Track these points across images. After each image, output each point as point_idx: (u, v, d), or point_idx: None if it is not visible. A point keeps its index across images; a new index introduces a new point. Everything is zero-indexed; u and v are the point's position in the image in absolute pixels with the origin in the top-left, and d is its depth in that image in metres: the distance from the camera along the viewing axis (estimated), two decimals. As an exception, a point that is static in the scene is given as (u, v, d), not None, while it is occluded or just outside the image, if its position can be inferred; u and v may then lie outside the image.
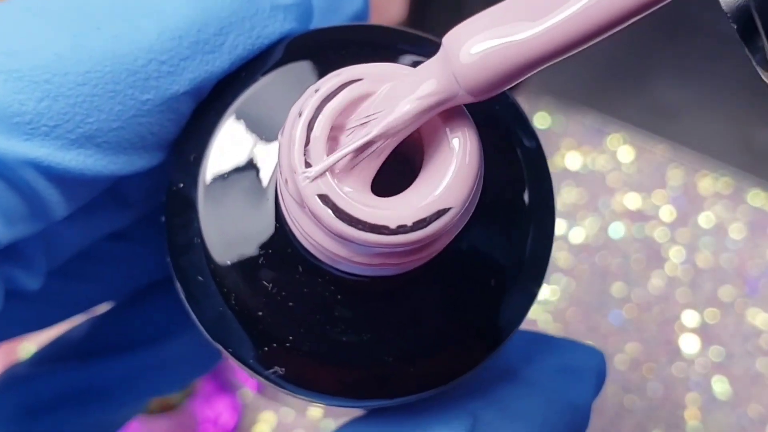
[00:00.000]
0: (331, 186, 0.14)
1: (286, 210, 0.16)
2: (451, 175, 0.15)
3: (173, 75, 0.18)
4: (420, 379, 0.18)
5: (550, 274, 0.44)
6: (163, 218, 0.18)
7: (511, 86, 0.14)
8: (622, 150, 0.48)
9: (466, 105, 0.15)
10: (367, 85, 0.15)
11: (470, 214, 0.16)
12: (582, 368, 0.21)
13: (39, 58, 0.18)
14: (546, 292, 0.44)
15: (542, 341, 0.21)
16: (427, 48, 0.18)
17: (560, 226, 0.48)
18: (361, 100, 0.15)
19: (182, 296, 0.19)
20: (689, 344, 0.42)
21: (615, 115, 0.49)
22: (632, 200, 0.49)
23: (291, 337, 0.18)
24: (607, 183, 0.48)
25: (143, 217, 0.22)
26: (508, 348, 0.19)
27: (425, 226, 0.15)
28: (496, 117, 0.18)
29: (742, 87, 0.45)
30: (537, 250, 0.19)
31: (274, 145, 0.18)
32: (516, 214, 0.18)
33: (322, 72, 0.18)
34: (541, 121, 0.49)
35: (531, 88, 0.48)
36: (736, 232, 0.46)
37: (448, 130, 0.15)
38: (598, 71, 0.50)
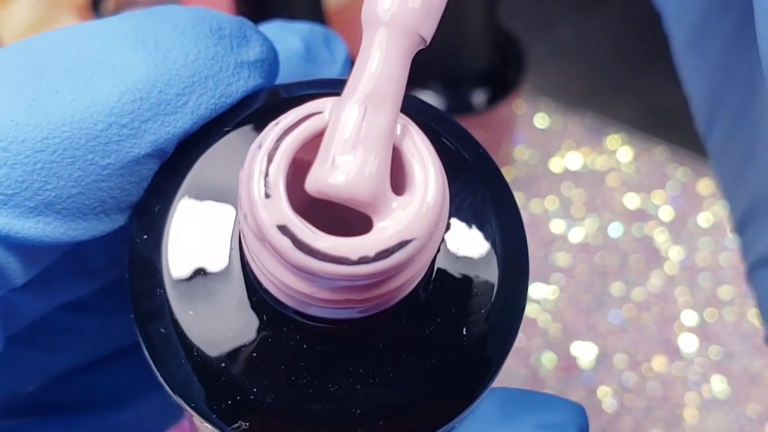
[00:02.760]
0: (289, 217, 0.14)
1: (248, 250, 0.15)
2: (415, 205, 0.14)
3: (134, 138, 0.18)
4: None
5: (550, 273, 0.44)
6: (127, 275, 0.18)
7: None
8: (622, 151, 0.48)
9: (435, 143, 0.15)
10: (327, 119, 0.14)
11: (435, 250, 0.15)
12: (564, 424, 0.19)
13: None
14: (545, 291, 0.44)
15: (520, 398, 0.19)
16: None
17: (560, 226, 0.48)
18: (322, 133, 0.14)
19: (143, 346, 0.18)
20: (688, 343, 0.43)
21: (614, 116, 0.49)
22: (631, 200, 0.49)
23: (255, 390, 0.17)
24: (606, 183, 0.49)
25: (110, 287, 0.21)
26: (484, 406, 0.18)
27: (388, 256, 0.14)
28: (468, 167, 0.17)
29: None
30: (509, 297, 0.18)
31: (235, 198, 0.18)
32: (486, 262, 0.17)
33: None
34: (540, 122, 0.49)
35: (530, 90, 0.49)
36: (735, 232, 0.46)
37: (412, 163, 0.15)
38: (596, 72, 0.51)
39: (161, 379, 0.18)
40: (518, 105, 0.45)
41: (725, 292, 0.46)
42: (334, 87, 0.17)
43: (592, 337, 0.43)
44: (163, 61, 0.18)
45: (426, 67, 0.43)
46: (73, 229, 0.18)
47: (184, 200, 0.18)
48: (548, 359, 0.42)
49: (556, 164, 0.48)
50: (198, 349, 0.17)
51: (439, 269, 0.16)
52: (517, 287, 0.18)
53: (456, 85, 0.43)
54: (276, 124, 0.15)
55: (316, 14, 0.42)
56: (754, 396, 0.41)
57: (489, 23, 0.42)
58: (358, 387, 0.17)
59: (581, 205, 0.48)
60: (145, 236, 0.18)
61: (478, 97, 0.43)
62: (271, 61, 0.19)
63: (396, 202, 0.14)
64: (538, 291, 0.44)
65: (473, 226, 0.17)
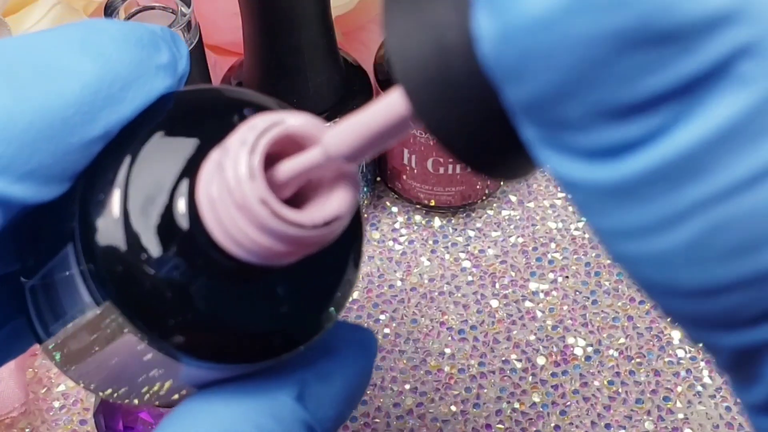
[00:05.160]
0: (268, 194, 0.20)
1: (212, 209, 0.21)
2: (345, 195, 0.21)
3: (92, 122, 0.23)
4: (270, 348, 0.24)
5: (546, 271, 0.46)
6: (74, 224, 0.23)
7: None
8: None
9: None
10: (294, 128, 0.21)
11: (339, 231, 0.22)
12: (366, 340, 0.28)
13: None
14: (541, 287, 0.45)
15: (347, 327, 0.28)
16: (274, 107, 0.24)
17: (554, 224, 0.49)
18: (286, 136, 0.21)
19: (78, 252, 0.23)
20: (680, 336, 0.43)
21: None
22: None
23: (187, 313, 0.23)
24: None
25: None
26: (331, 332, 0.26)
27: (329, 225, 0.21)
28: None
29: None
30: (346, 278, 0.26)
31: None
32: (342, 253, 0.25)
33: (204, 122, 0.24)
34: None
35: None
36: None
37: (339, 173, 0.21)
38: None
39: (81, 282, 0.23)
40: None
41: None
42: (234, 94, 0.25)
43: (586, 332, 0.44)
44: (107, 64, 0.23)
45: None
46: (41, 192, 0.23)
47: (124, 167, 0.23)
48: (543, 352, 0.43)
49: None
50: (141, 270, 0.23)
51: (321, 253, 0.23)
52: (351, 275, 0.26)
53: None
54: (251, 128, 0.20)
55: (326, 23, 0.43)
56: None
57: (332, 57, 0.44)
58: (257, 312, 0.24)
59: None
60: (102, 196, 0.23)
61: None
62: (175, 65, 0.24)
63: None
64: (534, 286, 0.45)
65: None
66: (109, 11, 0.38)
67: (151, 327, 0.23)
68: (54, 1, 0.45)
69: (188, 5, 0.39)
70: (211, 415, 0.24)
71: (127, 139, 0.23)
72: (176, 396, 0.26)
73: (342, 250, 0.25)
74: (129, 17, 0.39)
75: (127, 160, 0.23)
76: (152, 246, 0.23)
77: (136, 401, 0.27)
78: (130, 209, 0.23)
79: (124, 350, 0.24)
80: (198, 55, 0.40)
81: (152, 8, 0.39)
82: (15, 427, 0.45)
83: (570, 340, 0.44)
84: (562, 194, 0.49)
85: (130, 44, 0.24)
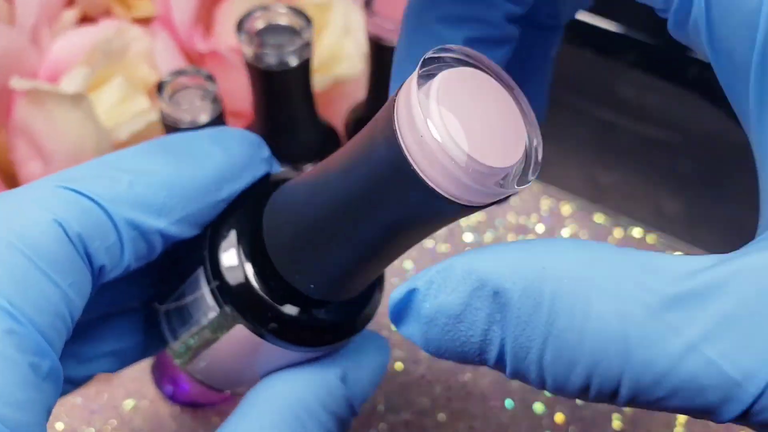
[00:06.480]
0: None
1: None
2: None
3: (221, 190, 0.27)
4: (335, 336, 0.27)
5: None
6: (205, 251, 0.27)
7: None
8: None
9: None
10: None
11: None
12: (383, 343, 0.31)
13: (161, 174, 0.26)
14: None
15: (369, 332, 0.31)
16: None
17: (469, 237, 0.53)
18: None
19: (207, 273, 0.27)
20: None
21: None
22: (516, 219, 0.55)
23: (281, 311, 0.26)
24: (501, 207, 0.55)
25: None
26: (361, 335, 0.29)
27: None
28: None
29: (589, 143, 0.53)
30: (379, 288, 0.29)
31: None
32: None
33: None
34: None
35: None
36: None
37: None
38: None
39: (210, 295, 0.26)
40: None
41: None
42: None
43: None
44: (231, 154, 0.28)
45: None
46: (187, 232, 0.27)
47: (240, 218, 0.27)
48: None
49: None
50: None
51: None
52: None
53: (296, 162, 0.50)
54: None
55: (309, 97, 0.48)
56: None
57: (312, 115, 0.49)
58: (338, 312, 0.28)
59: (484, 222, 0.52)
60: (233, 230, 0.27)
61: (308, 169, 0.48)
62: (271, 159, 0.29)
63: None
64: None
65: None
66: (160, 89, 0.42)
67: (257, 319, 0.26)
68: (120, 82, 0.48)
69: (214, 83, 0.42)
70: (286, 386, 0.28)
71: (240, 202, 0.27)
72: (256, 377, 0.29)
73: None
74: (173, 93, 0.42)
75: (242, 214, 0.27)
76: (255, 268, 0.26)
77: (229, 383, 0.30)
78: (242, 244, 0.26)
79: (234, 339, 0.27)
80: (221, 118, 0.42)
81: (188, 87, 0.42)
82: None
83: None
84: (474, 218, 0.54)
85: (245, 143, 0.28)
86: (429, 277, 0.22)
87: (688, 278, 0.20)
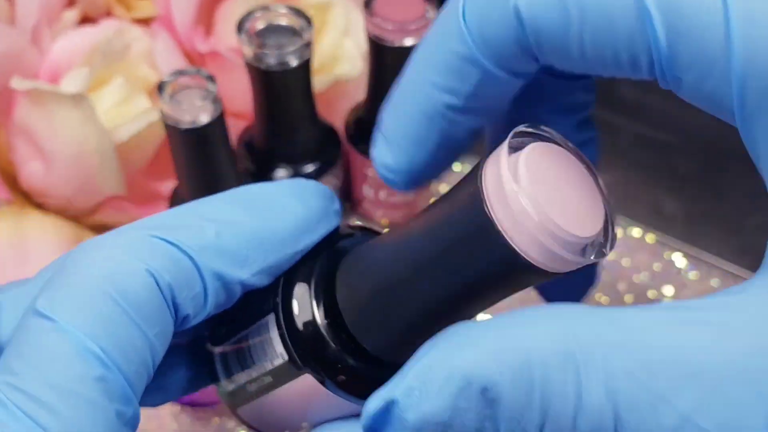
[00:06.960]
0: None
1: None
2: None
3: (298, 242, 0.27)
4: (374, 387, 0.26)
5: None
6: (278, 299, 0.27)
7: None
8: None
9: None
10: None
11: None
12: None
13: (246, 226, 0.27)
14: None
15: None
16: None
17: None
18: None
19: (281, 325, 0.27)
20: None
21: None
22: None
23: (347, 362, 0.26)
24: None
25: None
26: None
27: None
28: None
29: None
30: None
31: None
32: None
33: (349, 245, 0.28)
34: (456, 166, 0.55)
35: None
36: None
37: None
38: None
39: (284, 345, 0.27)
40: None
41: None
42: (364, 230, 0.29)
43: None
44: (308, 207, 0.28)
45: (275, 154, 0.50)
46: (264, 281, 0.27)
47: (315, 270, 0.28)
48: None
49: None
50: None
51: None
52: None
53: (295, 163, 0.51)
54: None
55: (310, 97, 0.48)
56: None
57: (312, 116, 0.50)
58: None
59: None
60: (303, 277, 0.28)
61: (308, 169, 0.51)
62: (340, 209, 0.30)
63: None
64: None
65: None
66: (160, 89, 0.42)
67: (326, 370, 0.27)
68: (120, 82, 0.49)
69: (214, 83, 0.42)
70: None
71: (314, 254, 0.28)
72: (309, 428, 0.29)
73: None
74: (174, 93, 0.42)
75: (316, 266, 0.28)
76: (328, 320, 0.27)
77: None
78: (317, 297, 0.27)
79: (297, 387, 0.27)
80: (221, 118, 0.43)
81: (189, 87, 0.42)
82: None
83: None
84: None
85: (320, 196, 0.29)
86: (407, 384, 0.23)
87: (668, 334, 0.21)
